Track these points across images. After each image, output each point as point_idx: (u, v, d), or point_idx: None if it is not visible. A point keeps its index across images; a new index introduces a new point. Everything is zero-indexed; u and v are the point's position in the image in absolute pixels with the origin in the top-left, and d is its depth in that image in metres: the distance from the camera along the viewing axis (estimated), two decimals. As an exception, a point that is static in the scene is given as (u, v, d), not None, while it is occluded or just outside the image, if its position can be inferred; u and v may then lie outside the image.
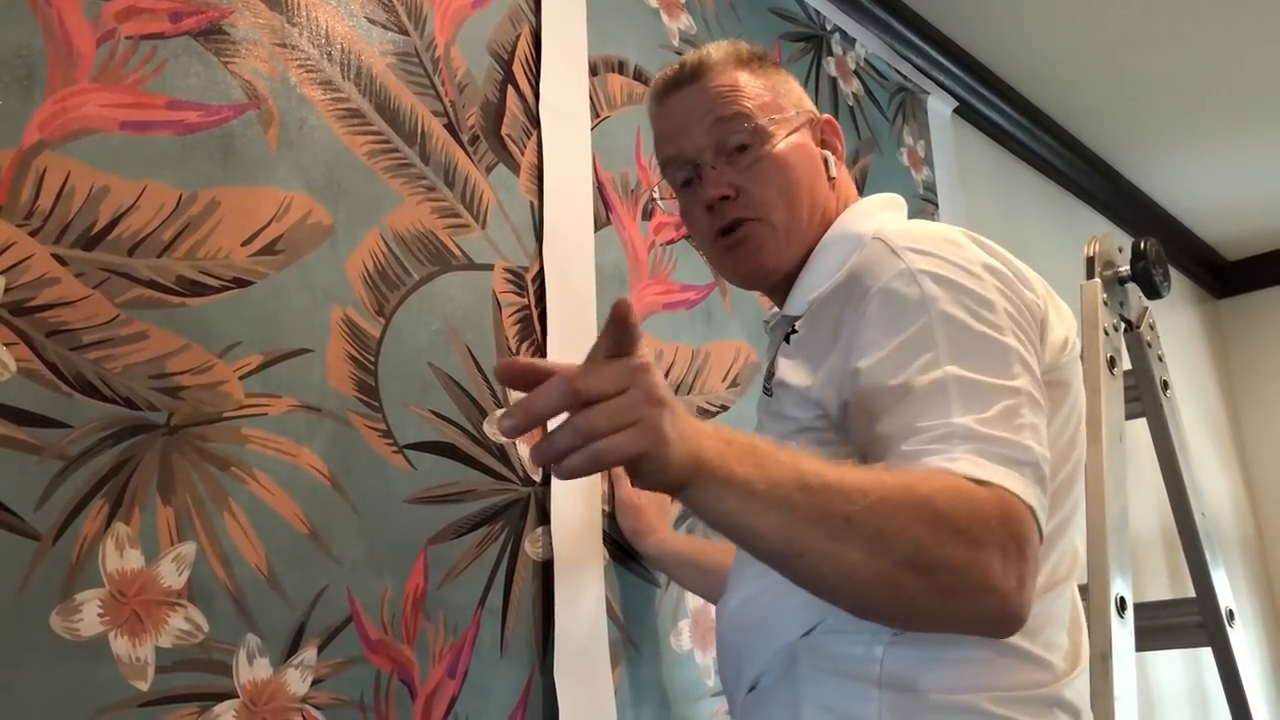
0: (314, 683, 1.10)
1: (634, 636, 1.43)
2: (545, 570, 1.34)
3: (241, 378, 1.11)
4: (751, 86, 1.10)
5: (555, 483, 1.36)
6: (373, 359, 1.23)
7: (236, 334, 1.11)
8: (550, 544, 1.35)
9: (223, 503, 1.07)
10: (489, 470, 1.31)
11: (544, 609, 1.33)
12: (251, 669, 1.06)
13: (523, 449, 1.36)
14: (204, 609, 1.03)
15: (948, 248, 0.94)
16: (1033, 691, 0.86)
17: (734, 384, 1.69)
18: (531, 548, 1.34)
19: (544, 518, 1.36)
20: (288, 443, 1.13)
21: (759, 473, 0.74)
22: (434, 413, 1.27)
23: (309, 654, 1.10)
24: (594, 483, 1.42)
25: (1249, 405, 3.73)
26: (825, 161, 1.11)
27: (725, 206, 1.08)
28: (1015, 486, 0.78)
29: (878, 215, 1.07)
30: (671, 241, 1.64)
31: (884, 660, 0.86)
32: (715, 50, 1.12)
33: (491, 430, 1.33)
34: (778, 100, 1.10)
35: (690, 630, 1.50)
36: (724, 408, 1.66)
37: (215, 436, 1.08)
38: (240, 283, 1.13)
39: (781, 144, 1.08)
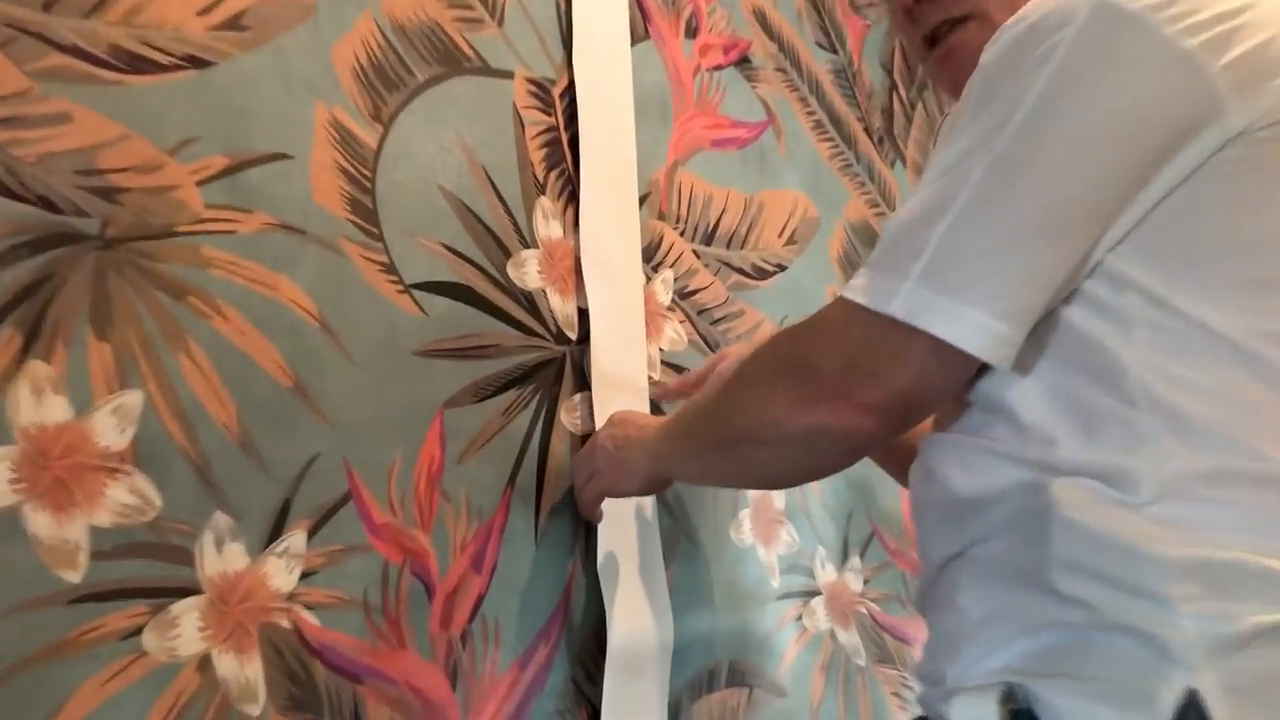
0: (304, 576, 0.86)
1: (689, 528, 1.19)
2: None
3: (200, 183, 0.85)
4: None
5: (594, 341, 1.11)
6: (369, 174, 0.96)
7: (193, 127, 0.85)
8: (590, 414, 1.10)
9: (178, 341, 0.81)
10: (515, 322, 1.06)
11: (585, 491, 1.09)
12: (221, 558, 0.81)
13: (554, 299, 1.10)
14: (155, 478, 0.78)
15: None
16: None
17: (791, 241, 1.44)
18: (568, 417, 1.09)
19: (582, 382, 1.11)
20: (262, 270, 0.87)
21: (676, 448, 0.92)
22: (447, 247, 1.01)
23: (296, 539, 0.86)
24: (639, 343, 1.17)
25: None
26: None
27: (925, 8, 0.87)
28: (848, 290, 0.73)
29: None
30: (719, 67, 1.37)
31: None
32: None
33: (517, 274, 1.07)
34: None
35: (751, 522, 1.27)
36: (781, 267, 1.41)
37: (166, 255, 0.82)
38: (197, 63, 0.86)
39: None
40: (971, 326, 0.66)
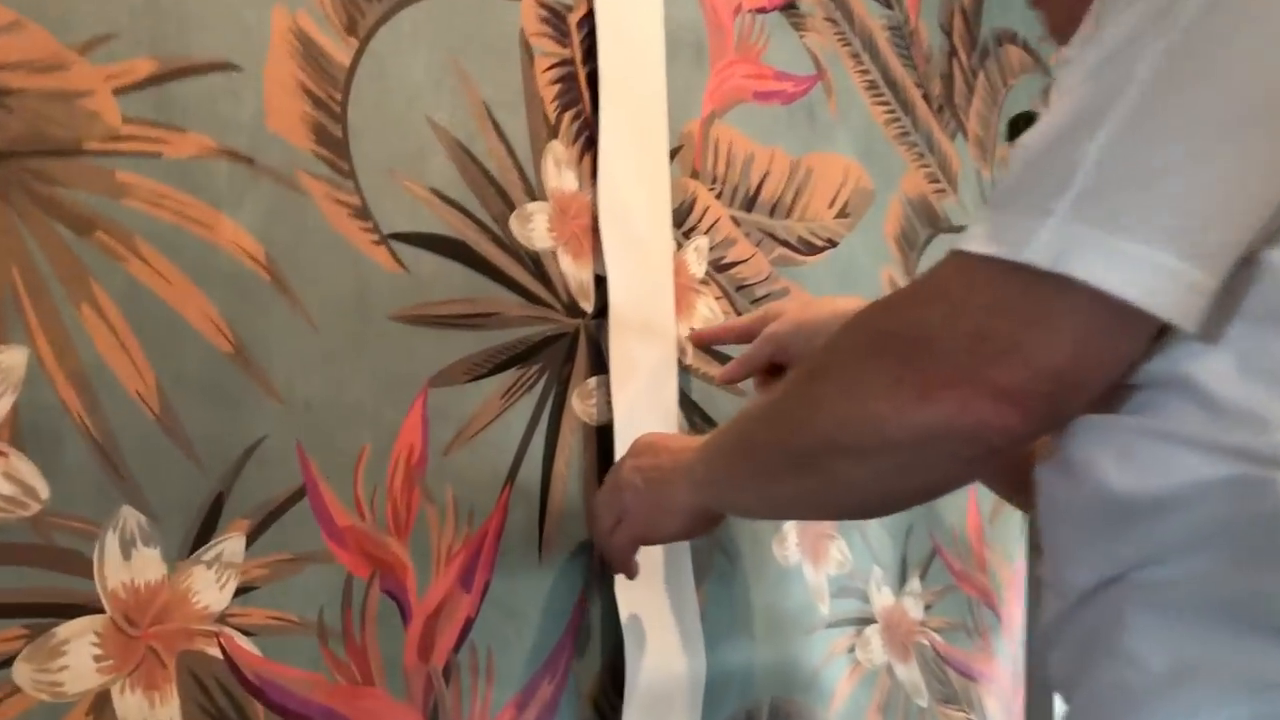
0: (240, 592, 0.67)
1: (724, 542, 1.00)
2: (602, 439, 0.91)
3: (118, 91, 0.67)
4: None
5: (614, 314, 0.92)
6: (339, 98, 0.78)
7: (110, 21, 0.67)
8: (608, 402, 0.91)
9: (80, 287, 0.63)
10: (518, 287, 0.88)
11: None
12: (129, 566, 0.63)
13: (566, 262, 0.92)
14: (41, 460, 0.60)
15: None
16: None
17: (843, 214, 1.25)
18: (581, 404, 0.91)
19: (599, 363, 0.93)
20: (197, 205, 0.69)
21: (728, 471, 0.71)
22: (436, 193, 0.83)
23: (231, 544, 0.67)
24: (667, 320, 0.98)
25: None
26: None
27: None
28: (967, 239, 0.54)
29: None
30: (762, 10, 1.19)
31: None
32: None
33: (522, 230, 0.89)
34: None
35: (798, 536, 1.07)
36: (831, 243, 1.22)
37: (69, 178, 0.64)
38: (117, -56, 0.69)
39: None
40: (1148, 271, 0.47)
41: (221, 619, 0.66)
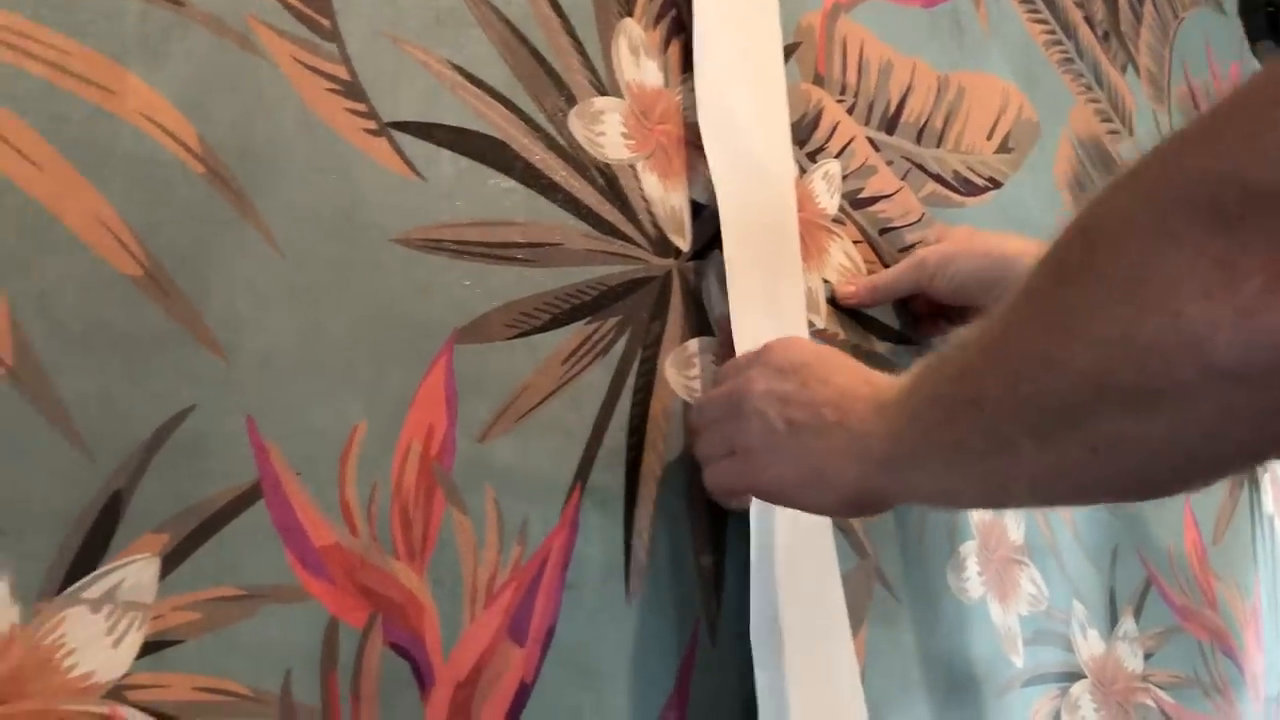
0: (150, 649, 0.42)
1: (885, 570, 0.72)
2: (710, 423, 0.65)
3: (-43, -117, 0.44)
4: None
5: (732, 256, 0.66)
6: (318, -70, 0.54)
7: None
8: (718, 370, 0.65)
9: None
10: (586, 211, 0.62)
11: (710, 500, 0.63)
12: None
13: (650, 182, 0.66)
14: None
15: None
16: None
17: (1005, 148, 0.97)
18: (679, 375, 0.65)
19: (701, 319, 0.66)
20: (90, 57, 0.45)
21: (932, 441, 0.45)
22: (460, 70, 0.58)
23: (136, 573, 0.43)
24: (791, 266, 0.72)
25: None
26: None
27: None
28: None
29: None
30: (891, -110, 0.93)
31: None
32: None
33: (586, 133, 0.63)
34: None
35: (979, 561, 0.79)
36: (994, 182, 0.95)
37: None
38: None
39: None
40: None
41: (115, 693, 0.41)
